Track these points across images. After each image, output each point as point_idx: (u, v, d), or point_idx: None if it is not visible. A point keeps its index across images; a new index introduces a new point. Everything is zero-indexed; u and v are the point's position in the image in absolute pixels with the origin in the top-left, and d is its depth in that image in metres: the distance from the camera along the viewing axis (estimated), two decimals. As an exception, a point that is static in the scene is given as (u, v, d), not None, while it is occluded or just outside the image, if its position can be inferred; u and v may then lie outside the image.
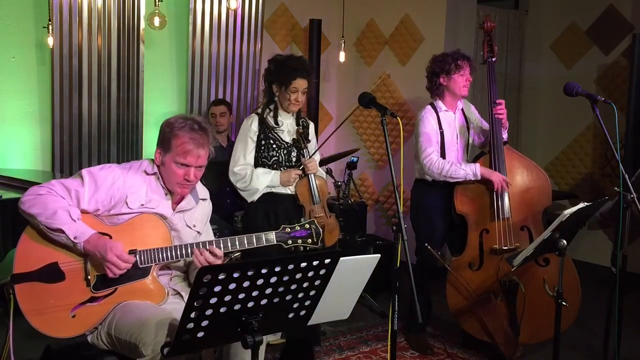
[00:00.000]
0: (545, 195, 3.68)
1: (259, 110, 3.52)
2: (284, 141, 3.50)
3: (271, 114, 3.49)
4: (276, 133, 3.48)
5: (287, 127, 3.52)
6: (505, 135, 3.79)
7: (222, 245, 2.45)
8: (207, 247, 2.42)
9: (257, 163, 3.48)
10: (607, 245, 5.31)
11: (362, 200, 5.69)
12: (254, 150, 3.47)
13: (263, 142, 3.46)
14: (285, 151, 3.49)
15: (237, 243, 2.45)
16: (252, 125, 3.45)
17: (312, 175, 3.52)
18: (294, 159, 3.53)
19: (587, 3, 5.86)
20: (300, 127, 3.55)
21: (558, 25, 6.13)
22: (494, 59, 3.84)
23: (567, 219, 2.76)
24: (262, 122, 3.47)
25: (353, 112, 3.72)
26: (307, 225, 2.54)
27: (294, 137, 3.52)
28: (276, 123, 3.47)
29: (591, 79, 5.84)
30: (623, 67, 5.59)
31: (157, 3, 4.61)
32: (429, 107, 3.82)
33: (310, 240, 2.54)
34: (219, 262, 2.41)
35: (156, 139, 2.57)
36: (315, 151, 3.64)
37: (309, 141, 3.59)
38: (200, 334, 1.89)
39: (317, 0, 5.99)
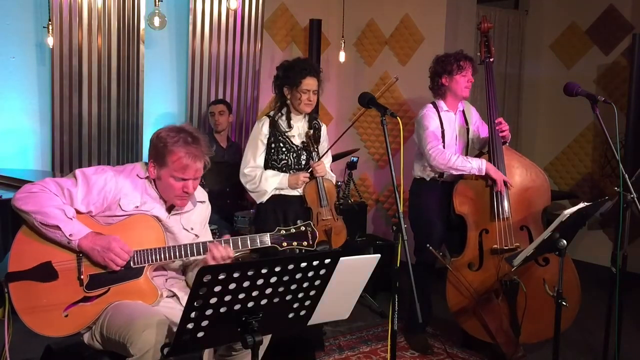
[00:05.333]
0: (544, 195, 3.68)
1: (271, 113, 3.53)
2: (294, 144, 3.51)
3: (283, 117, 3.51)
4: (287, 136, 3.49)
5: (298, 130, 3.53)
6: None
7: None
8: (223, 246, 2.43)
9: (267, 165, 3.50)
10: (607, 245, 5.31)
11: (362, 200, 5.69)
12: (264, 153, 3.48)
13: (273, 145, 3.47)
14: (294, 154, 3.50)
15: (231, 245, 2.45)
16: (262, 128, 3.47)
17: (321, 178, 3.53)
18: (303, 162, 3.53)
19: (587, 3, 5.86)
20: (311, 130, 3.55)
21: (558, 25, 6.13)
22: (491, 60, 3.85)
23: (567, 219, 2.76)
24: (274, 125, 3.48)
25: (360, 115, 3.73)
26: (303, 228, 2.54)
27: (304, 140, 3.52)
28: (289, 126, 3.49)
29: (591, 79, 5.84)
30: (623, 67, 5.58)
31: (157, 3, 4.61)
32: (430, 105, 3.82)
33: (305, 242, 2.53)
34: (228, 261, 2.42)
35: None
36: (325, 154, 3.62)
37: (319, 144, 3.60)
38: (200, 334, 1.89)
39: (317, 0, 5.99)
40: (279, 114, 3.52)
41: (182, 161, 2.42)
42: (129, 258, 2.37)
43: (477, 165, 3.60)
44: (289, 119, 3.51)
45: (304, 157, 3.54)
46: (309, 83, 3.44)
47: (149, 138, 2.56)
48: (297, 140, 3.52)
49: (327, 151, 3.66)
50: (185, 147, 2.43)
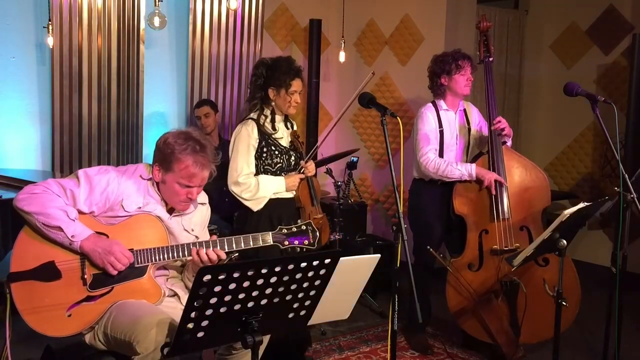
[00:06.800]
0: (544, 195, 3.68)
1: (254, 116, 3.40)
2: (284, 146, 3.44)
3: (267, 119, 3.40)
4: (274, 139, 3.41)
5: (281, 132, 3.46)
6: (509, 143, 3.80)
7: (218, 246, 2.45)
8: (212, 248, 2.42)
9: (259, 170, 3.39)
10: (607, 245, 5.31)
11: (362, 200, 5.70)
12: (254, 158, 3.37)
13: (265, 150, 3.36)
14: (286, 156, 3.44)
15: (233, 244, 2.46)
16: (253, 132, 3.33)
17: (310, 177, 3.51)
18: (293, 163, 3.48)
19: (587, 3, 5.86)
20: (291, 129, 3.52)
21: (558, 25, 6.13)
22: (490, 59, 3.85)
23: (567, 219, 2.76)
24: (260, 129, 3.37)
25: (347, 109, 3.72)
26: (304, 227, 2.55)
27: (290, 140, 3.49)
28: (274, 128, 3.39)
29: (591, 79, 5.84)
30: (623, 67, 5.59)
31: (157, 3, 4.61)
32: (429, 104, 3.83)
33: (306, 241, 2.54)
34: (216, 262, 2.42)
35: (156, 139, 2.57)
36: (313, 152, 3.61)
37: (303, 143, 3.58)
38: (200, 334, 1.89)
39: (317, 0, 6.00)
40: (263, 116, 3.40)
41: (190, 169, 2.43)
42: (129, 264, 2.37)
43: (467, 170, 3.61)
44: (273, 121, 3.40)
45: (293, 158, 3.47)
46: (298, 84, 3.38)
47: (149, 138, 2.57)
48: (284, 142, 3.45)
49: (314, 150, 3.65)
50: (193, 156, 2.44)
